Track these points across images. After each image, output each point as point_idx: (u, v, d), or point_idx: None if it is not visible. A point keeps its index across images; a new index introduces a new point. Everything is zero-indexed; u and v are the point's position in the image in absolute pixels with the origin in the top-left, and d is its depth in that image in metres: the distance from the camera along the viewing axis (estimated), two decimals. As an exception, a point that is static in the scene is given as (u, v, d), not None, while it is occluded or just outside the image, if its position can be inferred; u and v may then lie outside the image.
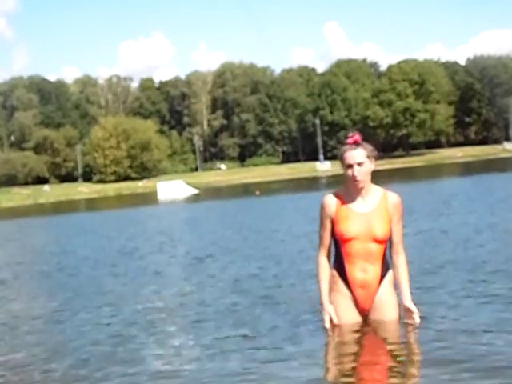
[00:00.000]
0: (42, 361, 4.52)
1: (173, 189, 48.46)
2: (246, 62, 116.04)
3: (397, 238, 4.11)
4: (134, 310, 6.06)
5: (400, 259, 4.14)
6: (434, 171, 46.51)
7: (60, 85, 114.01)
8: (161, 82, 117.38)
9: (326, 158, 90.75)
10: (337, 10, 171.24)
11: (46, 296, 7.50)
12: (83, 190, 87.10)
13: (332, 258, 4.23)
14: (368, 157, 4.01)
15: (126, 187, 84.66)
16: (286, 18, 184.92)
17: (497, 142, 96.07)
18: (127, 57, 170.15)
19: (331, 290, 4.15)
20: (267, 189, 40.63)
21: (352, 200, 4.08)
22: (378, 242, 4.00)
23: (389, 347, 3.90)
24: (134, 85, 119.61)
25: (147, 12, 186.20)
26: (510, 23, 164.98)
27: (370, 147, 4.05)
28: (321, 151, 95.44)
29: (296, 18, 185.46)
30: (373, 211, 4.04)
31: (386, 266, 4.10)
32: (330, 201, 4.13)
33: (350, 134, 4.11)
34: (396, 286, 4.18)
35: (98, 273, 9.07)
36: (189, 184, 53.66)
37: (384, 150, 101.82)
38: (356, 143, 4.03)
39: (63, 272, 9.57)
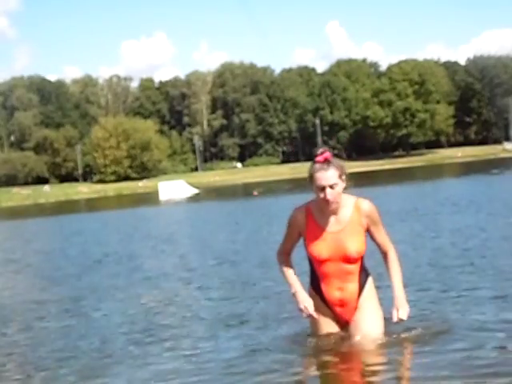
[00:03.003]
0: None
1: (174, 189, 48.40)
2: (246, 62, 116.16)
3: (382, 240, 3.85)
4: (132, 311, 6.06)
5: (389, 256, 3.87)
6: (433, 171, 46.51)
7: (60, 85, 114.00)
8: (161, 82, 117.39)
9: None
10: (338, 9, 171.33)
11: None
12: (83, 190, 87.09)
13: (308, 276, 3.99)
14: (340, 176, 3.66)
15: (126, 187, 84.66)
16: (287, 18, 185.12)
17: (497, 142, 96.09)
18: (129, 56, 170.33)
19: None
20: (267, 189, 40.62)
21: (323, 218, 3.77)
22: (353, 260, 3.75)
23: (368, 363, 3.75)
24: (134, 85, 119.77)
25: (149, 12, 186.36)
26: (510, 23, 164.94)
27: (341, 164, 3.71)
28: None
29: (297, 18, 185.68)
30: (345, 229, 3.74)
31: (365, 276, 3.86)
32: (300, 217, 3.82)
33: (320, 150, 3.67)
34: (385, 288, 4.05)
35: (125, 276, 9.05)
36: (189, 184, 53.63)
37: (384, 150, 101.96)
38: (327, 161, 3.64)
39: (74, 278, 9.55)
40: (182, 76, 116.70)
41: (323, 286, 3.81)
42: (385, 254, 3.89)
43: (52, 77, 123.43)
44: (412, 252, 7.90)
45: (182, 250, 11.35)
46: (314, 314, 3.77)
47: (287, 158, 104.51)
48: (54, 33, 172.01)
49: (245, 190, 42.50)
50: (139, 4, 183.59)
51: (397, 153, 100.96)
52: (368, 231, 3.81)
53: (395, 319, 3.74)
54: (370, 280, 3.89)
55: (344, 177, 3.70)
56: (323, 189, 3.62)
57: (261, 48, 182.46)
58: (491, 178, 27.76)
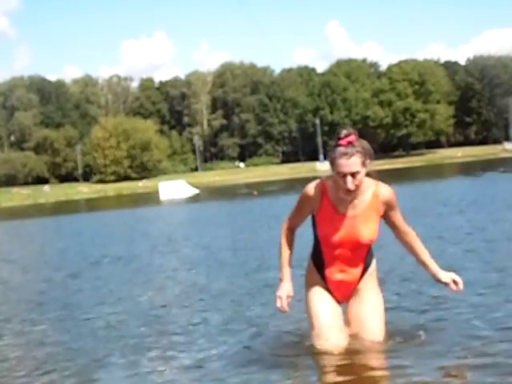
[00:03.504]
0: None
1: (174, 189, 48.39)
2: (246, 62, 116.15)
3: (400, 223, 3.68)
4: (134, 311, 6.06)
5: (411, 235, 3.70)
6: (434, 171, 46.52)
7: (60, 85, 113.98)
8: (161, 82, 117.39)
9: (326, 158, 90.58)
10: (338, 9, 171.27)
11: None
12: (83, 190, 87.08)
13: (311, 248, 3.80)
14: (363, 163, 3.39)
15: (126, 187, 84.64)
16: (287, 18, 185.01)
17: (497, 142, 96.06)
18: (129, 56, 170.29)
19: (307, 279, 3.78)
20: (266, 189, 40.62)
21: (339, 199, 3.52)
22: (364, 246, 3.60)
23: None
24: (134, 85, 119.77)
25: (149, 11, 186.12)
26: (511, 23, 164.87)
27: (366, 148, 3.41)
28: (321, 151, 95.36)
29: (297, 18, 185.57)
30: (361, 214, 3.53)
31: (370, 258, 3.71)
32: (315, 193, 3.56)
33: (344, 132, 3.38)
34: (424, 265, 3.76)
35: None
36: (189, 184, 53.61)
37: (384, 150, 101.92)
38: (351, 145, 3.35)
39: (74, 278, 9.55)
40: (182, 76, 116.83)
41: (326, 266, 3.65)
42: (404, 235, 3.70)
43: (52, 77, 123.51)
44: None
45: (184, 250, 11.35)
46: (287, 310, 3.64)
47: (287, 158, 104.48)
48: (55, 33, 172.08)
49: (246, 190, 42.47)
50: (139, 4, 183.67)
51: (397, 153, 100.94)
52: (385, 218, 3.64)
53: (455, 288, 3.66)
54: (373, 262, 3.75)
55: (368, 161, 3.43)
56: (344, 176, 3.38)
57: (261, 48, 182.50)
58: (491, 177, 27.75)
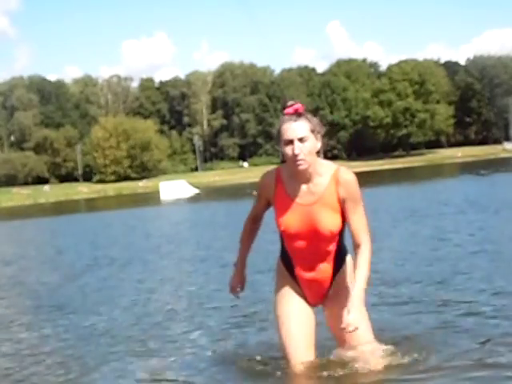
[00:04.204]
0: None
1: (175, 189, 48.41)
2: (246, 62, 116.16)
3: (356, 226, 3.17)
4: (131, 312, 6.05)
5: (360, 250, 3.17)
6: (434, 171, 46.51)
7: (60, 85, 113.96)
8: (161, 82, 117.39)
9: (326, 158, 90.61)
10: (339, 9, 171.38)
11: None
12: (83, 190, 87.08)
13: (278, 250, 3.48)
14: (313, 131, 3.10)
15: (126, 187, 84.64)
16: (287, 18, 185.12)
17: (497, 142, 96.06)
18: (129, 56, 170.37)
19: (276, 279, 3.46)
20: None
21: (294, 186, 3.21)
22: (327, 238, 3.19)
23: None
24: (134, 85, 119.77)
25: (149, 11, 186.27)
26: (511, 22, 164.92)
27: (315, 120, 3.15)
28: (321, 151, 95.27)
29: (298, 18, 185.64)
30: (318, 201, 3.15)
31: (342, 256, 3.30)
32: (268, 182, 3.28)
33: (290, 102, 3.17)
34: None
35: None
36: (189, 184, 53.62)
37: (384, 150, 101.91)
38: (297, 113, 3.11)
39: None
40: (182, 76, 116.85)
41: (294, 264, 3.31)
42: (357, 247, 3.19)
43: (52, 77, 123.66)
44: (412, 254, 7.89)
45: (187, 252, 11.34)
46: (237, 296, 3.56)
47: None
48: (55, 32, 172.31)
49: (245, 190, 42.50)
50: (140, 4, 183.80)
51: (397, 153, 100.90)
52: (342, 209, 3.17)
53: (343, 324, 3.07)
54: (348, 260, 3.33)
55: (319, 135, 3.14)
56: (291, 142, 3.07)
57: (261, 48, 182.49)
58: (491, 178, 27.75)
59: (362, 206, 3.20)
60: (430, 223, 11.27)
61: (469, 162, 60.95)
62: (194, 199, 39.30)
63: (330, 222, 3.15)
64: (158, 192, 49.87)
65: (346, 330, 3.07)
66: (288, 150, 3.09)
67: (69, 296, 7.28)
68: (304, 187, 3.20)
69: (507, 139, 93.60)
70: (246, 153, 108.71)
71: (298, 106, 3.14)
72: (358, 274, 3.15)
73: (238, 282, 3.52)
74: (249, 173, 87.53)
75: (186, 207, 31.77)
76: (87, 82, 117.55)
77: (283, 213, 3.22)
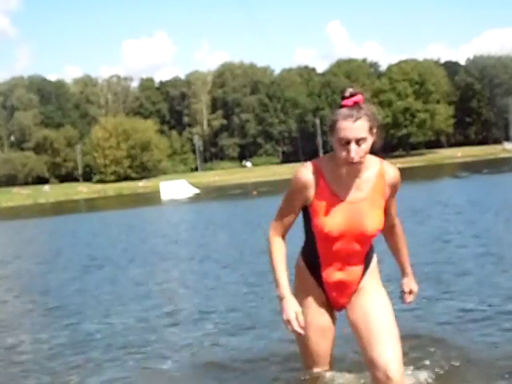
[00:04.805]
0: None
1: (176, 188, 48.46)
2: (246, 62, 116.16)
3: (394, 212, 3.11)
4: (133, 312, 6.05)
5: (397, 229, 3.17)
6: (434, 171, 46.49)
7: (60, 85, 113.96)
8: (161, 82, 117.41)
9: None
10: (339, 9, 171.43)
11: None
12: (83, 190, 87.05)
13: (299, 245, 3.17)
14: (371, 129, 2.77)
15: (126, 187, 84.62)
16: (288, 18, 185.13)
17: (497, 142, 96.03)
18: (129, 56, 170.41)
19: (296, 289, 3.08)
20: (267, 188, 40.62)
21: (339, 181, 2.89)
22: (368, 239, 2.97)
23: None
24: (134, 85, 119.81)
25: (150, 11, 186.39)
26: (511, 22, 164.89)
27: (374, 113, 2.80)
28: (321, 151, 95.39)
29: (298, 18, 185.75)
30: (366, 198, 2.90)
31: (371, 254, 3.10)
32: (309, 179, 2.90)
33: (349, 91, 2.78)
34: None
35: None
36: (189, 184, 53.63)
37: (384, 150, 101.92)
38: (357, 106, 2.75)
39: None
40: (183, 76, 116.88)
41: (322, 267, 3.01)
42: (390, 228, 3.14)
43: (52, 76, 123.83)
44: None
45: (187, 252, 11.34)
46: (301, 331, 2.87)
47: (287, 158, 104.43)
48: (55, 32, 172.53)
49: (244, 190, 42.48)
50: (140, 3, 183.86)
51: (397, 153, 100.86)
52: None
53: (408, 300, 3.21)
54: (374, 258, 3.13)
55: (375, 130, 2.81)
56: (347, 143, 2.74)
57: (261, 48, 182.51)
58: (490, 177, 27.75)
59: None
60: (431, 224, 11.26)
61: (469, 161, 60.93)
62: (194, 199, 39.28)
63: (376, 220, 2.91)
64: (158, 192, 49.87)
65: (406, 299, 3.22)
66: (342, 150, 2.76)
67: (66, 298, 7.25)
68: (351, 183, 2.89)
69: (507, 139, 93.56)
70: (245, 153, 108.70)
71: (359, 97, 2.76)
72: (402, 250, 3.22)
73: (297, 314, 2.88)
74: (248, 173, 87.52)
75: (187, 207, 31.75)
76: (87, 82, 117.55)
77: (327, 213, 2.89)
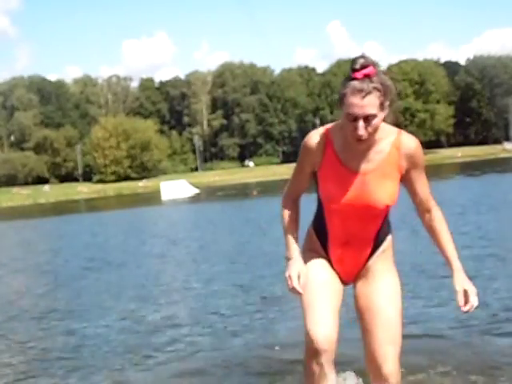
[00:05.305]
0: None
1: (176, 188, 48.52)
2: (246, 62, 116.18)
3: (424, 193, 2.82)
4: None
5: (435, 216, 2.85)
6: (434, 171, 46.49)
7: (60, 85, 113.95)
8: (161, 82, 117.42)
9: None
10: (339, 9, 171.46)
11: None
12: (83, 190, 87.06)
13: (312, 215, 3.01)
14: (381, 104, 2.57)
15: (126, 187, 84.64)
16: (288, 18, 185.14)
17: (497, 141, 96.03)
18: (129, 56, 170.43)
19: (304, 249, 2.95)
20: (266, 188, 40.62)
21: (348, 150, 2.73)
22: (378, 212, 2.77)
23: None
24: (134, 85, 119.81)
25: (150, 11, 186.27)
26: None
27: (386, 85, 2.59)
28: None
29: (298, 18, 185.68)
30: (376, 169, 2.72)
31: (385, 232, 2.88)
32: (317, 143, 2.81)
33: (360, 62, 2.57)
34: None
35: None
36: (190, 184, 53.66)
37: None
38: (368, 79, 2.55)
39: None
40: (183, 76, 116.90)
41: (330, 237, 2.86)
42: (427, 214, 2.86)
43: (52, 76, 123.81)
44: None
45: (188, 252, 11.33)
46: (300, 290, 2.70)
47: (287, 158, 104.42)
48: (55, 32, 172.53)
49: (245, 190, 42.48)
50: (140, 3, 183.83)
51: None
52: (404, 180, 2.77)
53: (466, 309, 2.62)
54: (389, 237, 2.91)
55: (387, 103, 2.60)
56: (355, 119, 2.57)
57: (261, 48, 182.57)
58: (490, 177, 27.75)
59: (424, 171, 2.81)
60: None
61: (469, 162, 60.93)
62: (194, 199, 39.30)
63: (387, 194, 2.71)
64: (158, 192, 49.90)
65: (465, 310, 2.62)
66: (350, 126, 2.59)
67: (65, 300, 7.23)
68: (361, 153, 2.71)
69: (507, 139, 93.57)
70: (246, 153, 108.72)
71: (370, 69, 2.55)
72: (446, 243, 2.79)
73: (299, 274, 2.73)
74: (249, 173, 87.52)
75: (188, 207, 31.76)
76: (87, 82, 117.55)
77: (331, 181, 2.75)
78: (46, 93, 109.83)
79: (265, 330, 4.78)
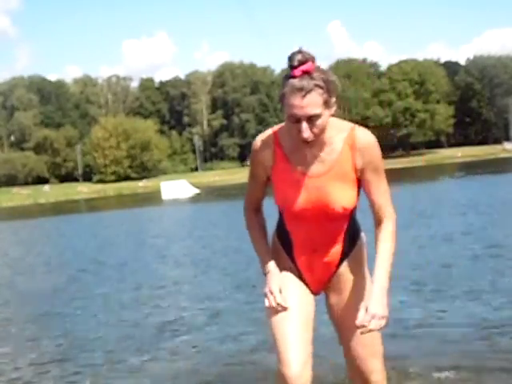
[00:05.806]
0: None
1: (176, 188, 48.51)
2: (246, 62, 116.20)
3: (378, 198, 2.51)
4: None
5: (383, 227, 2.51)
6: (434, 171, 46.49)
7: (60, 85, 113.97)
8: (161, 82, 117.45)
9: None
10: (339, 9, 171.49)
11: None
12: (83, 190, 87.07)
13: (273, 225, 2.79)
14: (326, 102, 2.32)
15: (126, 187, 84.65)
16: (288, 18, 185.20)
17: (497, 141, 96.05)
18: (130, 56, 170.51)
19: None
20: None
21: (298, 152, 2.48)
22: (338, 216, 2.51)
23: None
24: (134, 85, 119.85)
25: (150, 11, 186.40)
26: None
27: (329, 81, 2.34)
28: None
29: (298, 18, 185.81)
30: (329, 172, 2.46)
31: (353, 235, 2.63)
32: (266, 148, 2.52)
33: (298, 58, 2.28)
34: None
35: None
36: (190, 184, 53.65)
37: (384, 150, 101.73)
38: (308, 76, 2.29)
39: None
40: (183, 76, 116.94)
41: (294, 245, 2.62)
42: (378, 222, 2.53)
43: (52, 76, 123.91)
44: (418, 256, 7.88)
45: (189, 252, 11.32)
46: (282, 304, 2.51)
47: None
48: (55, 32, 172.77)
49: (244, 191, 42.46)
50: (140, 3, 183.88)
51: (397, 153, 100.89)
52: (361, 182, 2.50)
53: (358, 322, 2.38)
54: (360, 241, 2.67)
55: (333, 101, 2.37)
56: (298, 121, 2.32)
57: (261, 48, 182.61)
58: (489, 178, 27.75)
59: (383, 176, 2.54)
60: (432, 224, 11.24)
61: (469, 162, 60.94)
62: (195, 199, 39.30)
63: (343, 196, 2.47)
64: (158, 192, 49.90)
65: (361, 331, 2.39)
66: (294, 128, 2.35)
67: (64, 301, 7.20)
68: (311, 154, 2.46)
69: (507, 139, 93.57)
70: (246, 153, 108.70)
71: (309, 65, 2.28)
72: (380, 257, 2.46)
73: (279, 286, 2.56)
74: (248, 173, 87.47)
75: (188, 207, 31.76)
76: (87, 81, 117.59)
77: (284, 186, 2.51)
78: (46, 93, 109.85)
79: (265, 331, 4.78)
